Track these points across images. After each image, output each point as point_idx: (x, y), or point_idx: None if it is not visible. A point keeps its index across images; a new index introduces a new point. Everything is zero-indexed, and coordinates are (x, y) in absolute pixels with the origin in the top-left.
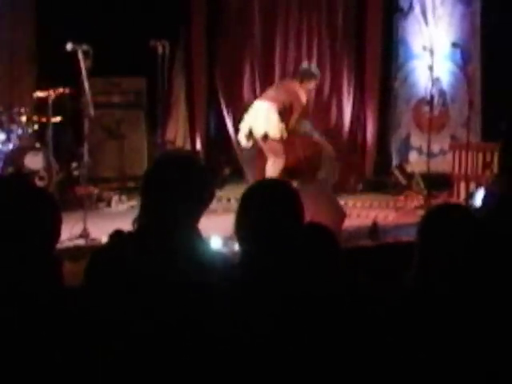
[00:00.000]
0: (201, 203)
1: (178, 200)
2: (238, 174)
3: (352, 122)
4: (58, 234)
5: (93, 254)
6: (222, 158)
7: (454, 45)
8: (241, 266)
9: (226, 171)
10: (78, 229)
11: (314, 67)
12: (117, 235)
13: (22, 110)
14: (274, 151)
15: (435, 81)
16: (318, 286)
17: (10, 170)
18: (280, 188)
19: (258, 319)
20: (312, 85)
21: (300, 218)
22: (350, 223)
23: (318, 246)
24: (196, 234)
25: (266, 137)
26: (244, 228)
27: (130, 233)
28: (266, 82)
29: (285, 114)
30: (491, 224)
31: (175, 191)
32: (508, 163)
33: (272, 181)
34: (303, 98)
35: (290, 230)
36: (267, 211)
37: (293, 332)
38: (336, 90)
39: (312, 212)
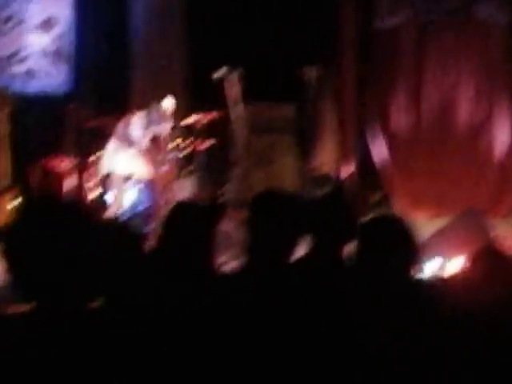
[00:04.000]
0: None
1: None
2: (388, 200)
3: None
4: None
5: None
6: (371, 184)
7: None
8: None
9: (375, 197)
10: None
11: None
12: None
13: (175, 134)
14: None
15: None
16: None
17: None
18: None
19: None
20: None
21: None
22: None
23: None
24: None
25: None
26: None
27: None
28: (417, 109)
29: None
30: None
31: None
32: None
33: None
34: None
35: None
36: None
37: None
38: (489, 115)
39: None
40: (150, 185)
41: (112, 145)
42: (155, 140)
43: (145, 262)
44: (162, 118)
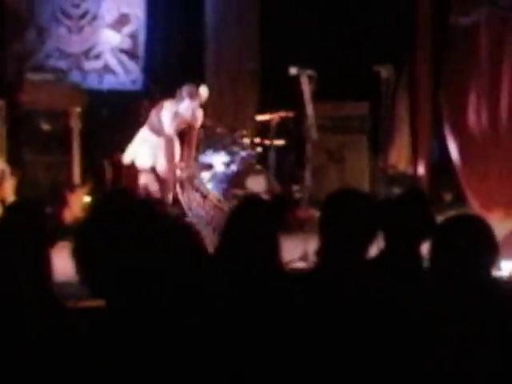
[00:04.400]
0: None
1: None
2: (460, 200)
3: None
4: None
5: None
6: (444, 184)
7: None
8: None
9: (448, 197)
10: (298, 252)
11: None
12: None
13: (246, 132)
14: None
15: None
16: None
17: (234, 191)
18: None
19: None
20: None
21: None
22: None
23: None
24: None
25: None
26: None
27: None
28: (492, 109)
29: None
30: None
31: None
32: None
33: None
34: None
35: None
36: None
37: None
38: None
39: None
40: (162, 180)
41: (142, 132)
42: (185, 135)
43: (209, 259)
44: (191, 98)
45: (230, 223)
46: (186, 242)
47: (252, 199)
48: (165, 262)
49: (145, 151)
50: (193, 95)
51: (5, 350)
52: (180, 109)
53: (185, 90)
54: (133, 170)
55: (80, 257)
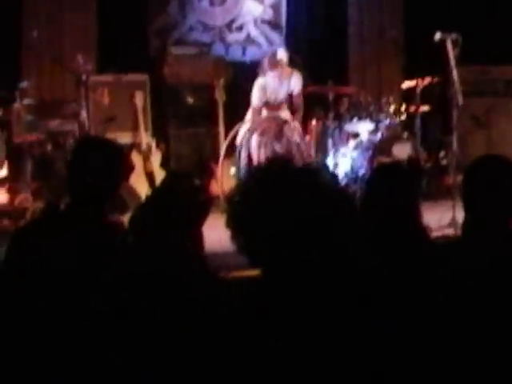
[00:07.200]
0: None
1: None
2: None
3: None
4: None
5: None
6: None
7: None
8: None
9: None
10: (446, 218)
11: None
12: None
13: (391, 99)
14: None
15: None
16: None
17: (380, 159)
18: None
19: None
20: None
21: None
22: None
23: None
24: None
25: None
26: None
27: None
28: None
29: None
30: None
31: None
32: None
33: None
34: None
35: None
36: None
37: None
38: None
39: None
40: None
41: None
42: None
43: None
44: (272, 68)
45: (368, 191)
46: (344, 208)
47: (387, 167)
48: (323, 228)
49: None
50: (272, 65)
51: (166, 325)
52: (267, 81)
53: (264, 62)
54: None
55: (237, 224)
